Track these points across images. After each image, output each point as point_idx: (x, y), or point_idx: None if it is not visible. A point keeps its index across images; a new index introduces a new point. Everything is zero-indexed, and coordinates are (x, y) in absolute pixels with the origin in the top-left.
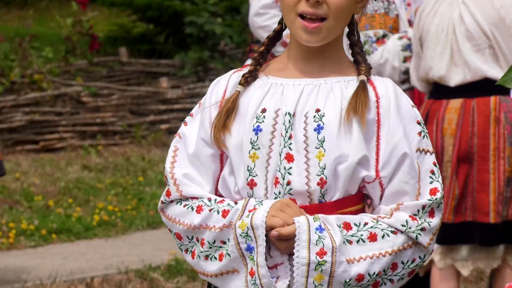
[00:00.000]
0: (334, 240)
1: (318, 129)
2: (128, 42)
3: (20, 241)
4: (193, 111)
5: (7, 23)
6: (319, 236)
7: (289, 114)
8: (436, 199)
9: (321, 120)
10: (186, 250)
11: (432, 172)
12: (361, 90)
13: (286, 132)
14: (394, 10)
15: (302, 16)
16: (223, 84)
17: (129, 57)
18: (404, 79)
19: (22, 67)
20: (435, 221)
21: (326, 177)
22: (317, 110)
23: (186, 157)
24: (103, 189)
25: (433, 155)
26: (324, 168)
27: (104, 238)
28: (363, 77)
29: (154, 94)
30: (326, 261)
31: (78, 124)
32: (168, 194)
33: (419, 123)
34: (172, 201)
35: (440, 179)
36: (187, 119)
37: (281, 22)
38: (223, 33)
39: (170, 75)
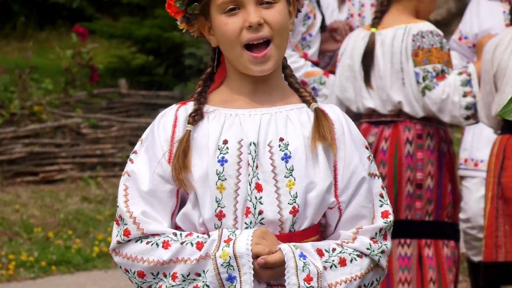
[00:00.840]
0: (317, 266)
1: (286, 158)
2: (128, 74)
3: (20, 273)
4: (136, 148)
5: (7, 55)
6: (304, 262)
7: (254, 144)
8: (389, 221)
9: (287, 149)
10: (149, 287)
11: (381, 196)
12: (322, 118)
13: (253, 161)
14: (446, 45)
15: (247, 47)
16: (170, 119)
17: (129, 88)
18: (467, 115)
19: (21, 98)
20: (389, 243)
21: (298, 206)
22: (281, 139)
23: (138, 195)
24: (103, 220)
25: (380, 178)
26: (296, 197)
27: (103, 269)
28: (316, 105)
29: None
30: (313, 287)
31: (77, 155)
32: (127, 233)
33: (367, 147)
34: (130, 240)
35: (388, 202)
36: (132, 156)
37: (212, 65)
38: None
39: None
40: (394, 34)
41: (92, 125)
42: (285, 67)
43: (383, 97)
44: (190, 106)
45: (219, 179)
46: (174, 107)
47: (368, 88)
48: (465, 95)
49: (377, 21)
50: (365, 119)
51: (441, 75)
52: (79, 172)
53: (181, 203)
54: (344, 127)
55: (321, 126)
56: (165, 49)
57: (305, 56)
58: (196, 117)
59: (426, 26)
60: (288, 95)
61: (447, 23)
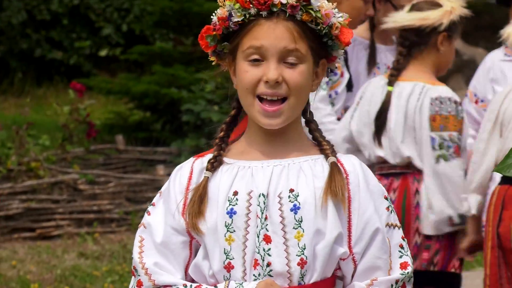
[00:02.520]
0: None
1: (295, 209)
2: (125, 130)
3: None
4: (154, 201)
5: (4, 111)
6: None
7: (263, 195)
8: (407, 273)
9: (296, 200)
10: None
11: (401, 247)
12: (337, 173)
13: (262, 213)
14: (462, 112)
15: (260, 98)
16: (187, 171)
17: (126, 144)
18: (459, 218)
19: (19, 154)
20: None
21: (306, 257)
22: (291, 190)
23: (153, 247)
24: (100, 276)
25: (401, 229)
26: (304, 248)
27: None
28: (333, 159)
29: (151, 182)
30: None
31: (74, 211)
32: (140, 284)
33: (386, 198)
34: None
35: (409, 253)
36: (150, 208)
37: (235, 107)
38: (220, 120)
39: (166, 163)
40: (411, 90)
41: (89, 181)
42: (310, 121)
43: (393, 149)
44: (206, 158)
45: (227, 231)
46: (191, 159)
47: (377, 142)
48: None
49: (393, 78)
50: (377, 171)
51: (457, 147)
52: (76, 228)
53: (196, 254)
54: (359, 178)
55: (334, 182)
56: (162, 105)
57: None
58: (215, 164)
59: (445, 91)
60: (305, 148)
61: (444, 79)
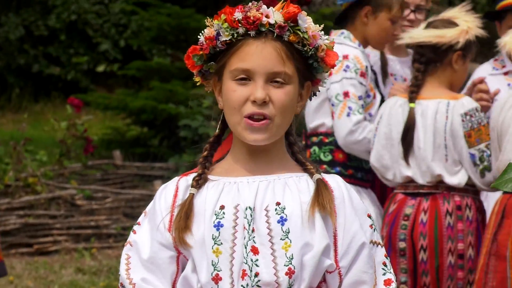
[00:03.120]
0: None
1: (282, 221)
2: (122, 145)
3: None
4: (139, 220)
5: (2, 127)
6: None
7: (250, 208)
8: None
9: (283, 213)
10: None
11: (384, 264)
12: (323, 188)
13: (249, 225)
14: (486, 118)
15: (248, 117)
16: (172, 189)
17: (123, 160)
18: None
19: (16, 170)
20: None
21: (294, 267)
22: (278, 203)
23: (140, 263)
24: None
25: (383, 248)
26: (292, 258)
27: None
28: (318, 176)
29: (149, 197)
30: None
31: (72, 227)
32: None
33: (369, 216)
34: None
35: (392, 270)
36: (135, 227)
37: (219, 128)
38: None
39: (164, 178)
40: (436, 108)
41: (86, 197)
42: (293, 143)
43: (422, 168)
44: (191, 177)
45: (215, 243)
46: (175, 179)
47: (405, 162)
48: None
49: (414, 95)
50: (399, 189)
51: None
52: (73, 243)
53: (183, 269)
54: (344, 194)
55: (321, 196)
56: (160, 120)
57: None
58: (199, 181)
59: (469, 102)
60: (289, 166)
61: None
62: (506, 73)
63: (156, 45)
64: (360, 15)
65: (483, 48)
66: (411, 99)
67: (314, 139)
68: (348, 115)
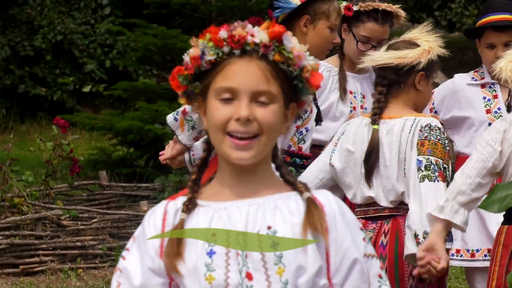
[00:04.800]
0: None
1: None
2: (109, 166)
3: None
4: (128, 246)
5: None
6: None
7: (242, 234)
8: None
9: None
10: None
11: (380, 276)
12: (313, 208)
13: (242, 251)
14: (448, 146)
15: (230, 135)
16: (160, 214)
17: (110, 180)
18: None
19: (2, 190)
20: None
21: None
22: (269, 227)
23: None
24: None
25: (378, 259)
26: (287, 283)
27: None
28: (308, 194)
29: (135, 218)
30: None
31: (58, 247)
32: None
33: (361, 229)
34: None
35: (388, 282)
36: (124, 253)
37: (205, 149)
38: None
39: (150, 199)
40: (402, 124)
41: (72, 217)
42: (280, 165)
43: (387, 186)
44: (179, 201)
45: (208, 270)
46: (163, 203)
47: (367, 183)
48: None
49: (377, 118)
50: (360, 214)
51: (443, 172)
52: (59, 264)
53: None
54: (335, 210)
55: (312, 216)
56: (146, 141)
57: (299, 150)
58: (189, 206)
59: (436, 122)
60: (277, 186)
61: None
62: (483, 86)
63: (142, 66)
64: (299, 25)
65: (470, 68)
66: (374, 121)
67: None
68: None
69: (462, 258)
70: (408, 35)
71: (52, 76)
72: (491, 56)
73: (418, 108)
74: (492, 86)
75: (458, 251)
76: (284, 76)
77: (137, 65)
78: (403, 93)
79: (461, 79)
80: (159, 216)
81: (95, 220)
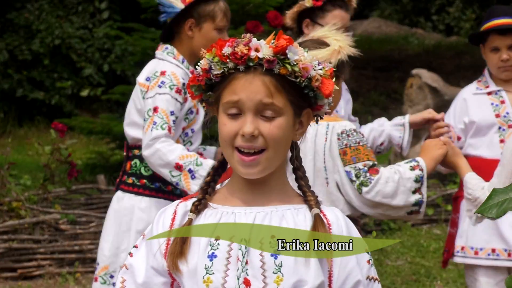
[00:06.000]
0: None
1: (275, 254)
2: (107, 170)
3: None
4: (137, 242)
5: None
6: None
7: (245, 240)
8: None
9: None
10: None
11: None
12: (320, 226)
13: (243, 257)
14: (367, 142)
15: (238, 149)
16: (170, 214)
17: (108, 184)
18: (411, 211)
19: (0, 194)
20: None
21: None
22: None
23: (134, 287)
24: None
25: (380, 284)
26: None
27: None
28: (316, 210)
29: None
30: None
31: (56, 251)
32: None
33: (367, 251)
34: None
35: None
36: (133, 250)
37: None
38: None
39: None
40: (315, 131)
41: (70, 221)
42: (297, 168)
43: None
44: (190, 202)
45: (207, 273)
46: (175, 203)
47: None
48: (415, 191)
49: None
50: None
51: (373, 168)
52: (57, 268)
53: None
54: (343, 229)
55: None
56: None
57: None
58: (199, 207)
59: (348, 124)
60: (288, 197)
61: None
62: (489, 93)
63: (140, 70)
64: (184, 28)
65: (467, 72)
66: None
67: (136, 151)
68: (151, 129)
69: (465, 255)
70: (316, 34)
71: (50, 80)
72: (496, 59)
73: (332, 109)
74: (498, 92)
75: (462, 248)
76: (291, 88)
77: (135, 69)
78: None
79: (467, 90)
80: (169, 216)
81: (93, 224)
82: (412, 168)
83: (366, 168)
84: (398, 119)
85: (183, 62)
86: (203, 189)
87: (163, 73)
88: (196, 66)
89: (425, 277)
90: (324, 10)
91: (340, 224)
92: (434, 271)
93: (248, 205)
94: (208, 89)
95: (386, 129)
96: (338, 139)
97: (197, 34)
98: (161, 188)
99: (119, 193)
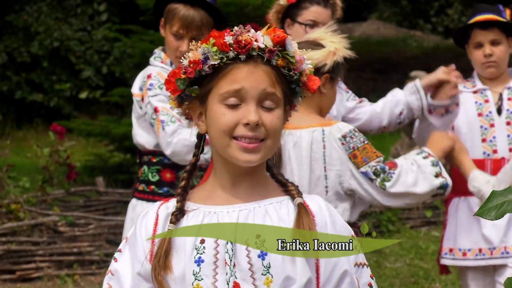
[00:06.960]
0: None
1: (262, 255)
2: (105, 172)
3: None
4: (120, 247)
5: None
6: None
7: (231, 242)
8: None
9: (263, 246)
10: None
11: (370, 285)
12: (304, 215)
13: (231, 260)
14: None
15: (237, 138)
16: (152, 217)
17: (106, 186)
18: (437, 193)
19: None
20: None
21: None
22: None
23: None
24: None
25: (369, 268)
26: None
27: None
28: (299, 200)
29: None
30: None
31: (55, 253)
32: None
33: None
34: None
35: None
36: (117, 255)
37: (195, 154)
38: None
39: None
40: (311, 137)
41: (69, 223)
42: (270, 166)
43: None
44: (171, 204)
45: (195, 279)
46: (156, 205)
47: None
48: (436, 175)
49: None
50: None
51: (389, 162)
52: (56, 270)
53: None
54: (326, 218)
55: (302, 224)
56: None
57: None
58: (178, 216)
59: (345, 126)
60: (270, 190)
61: None
62: (475, 92)
63: (138, 72)
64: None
65: (465, 74)
66: None
67: (145, 158)
68: (163, 128)
69: (454, 257)
70: (312, 35)
71: (48, 82)
72: (479, 55)
73: (322, 112)
74: (483, 91)
75: (451, 250)
76: (285, 80)
77: (133, 71)
78: (307, 96)
79: None
80: (151, 220)
81: (92, 226)
82: (425, 157)
83: (383, 165)
84: (409, 86)
85: (171, 64)
86: (180, 195)
87: (149, 76)
88: (181, 60)
89: (424, 279)
90: (300, 7)
91: (323, 213)
92: (433, 273)
93: (230, 203)
94: (193, 83)
95: (401, 97)
96: (343, 144)
97: (166, 34)
98: (170, 192)
99: (133, 201)
